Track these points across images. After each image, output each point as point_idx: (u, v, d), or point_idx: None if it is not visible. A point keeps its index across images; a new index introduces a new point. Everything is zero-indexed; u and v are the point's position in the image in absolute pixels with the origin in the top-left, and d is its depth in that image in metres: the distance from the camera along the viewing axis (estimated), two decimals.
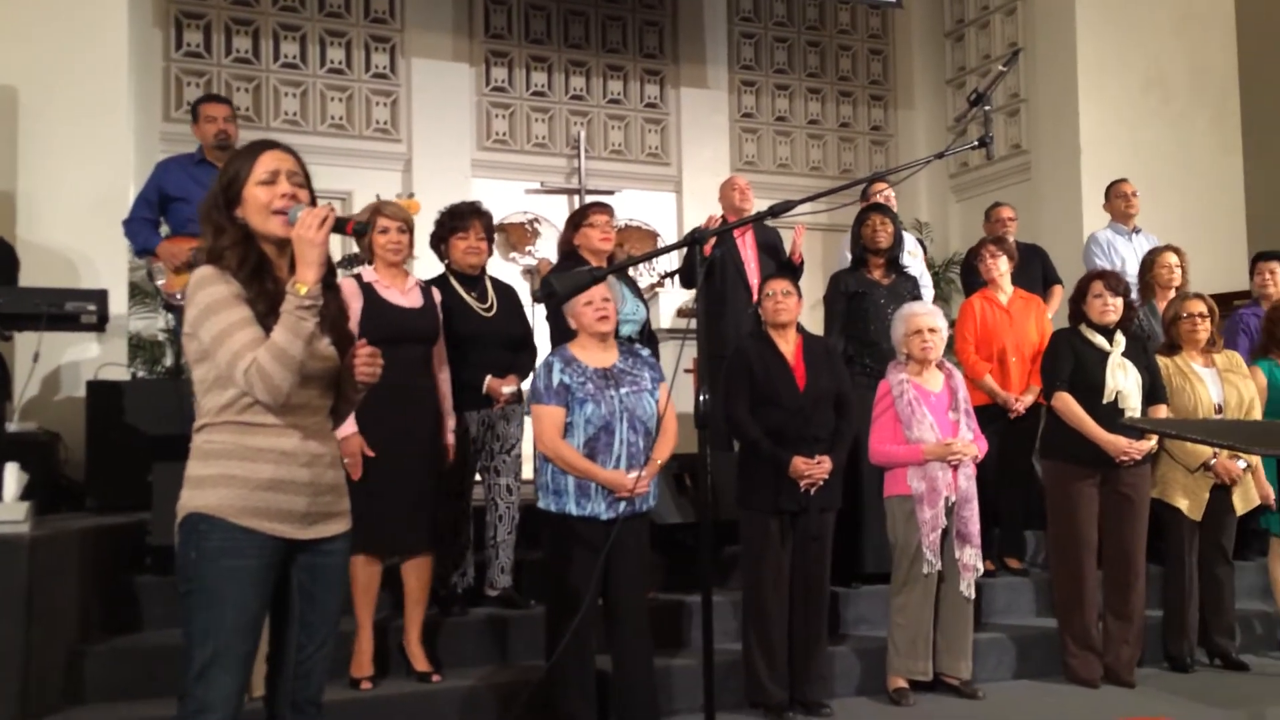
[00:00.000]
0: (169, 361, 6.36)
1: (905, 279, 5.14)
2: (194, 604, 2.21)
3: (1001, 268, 5.33)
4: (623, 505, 3.65)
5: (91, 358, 5.50)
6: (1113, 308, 4.56)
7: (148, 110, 7.02)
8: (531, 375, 3.84)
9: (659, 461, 3.77)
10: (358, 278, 4.01)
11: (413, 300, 4.01)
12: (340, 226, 2.31)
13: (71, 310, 4.74)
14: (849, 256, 5.32)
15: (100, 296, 4.82)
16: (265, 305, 2.25)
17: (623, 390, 3.71)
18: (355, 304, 3.90)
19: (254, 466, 2.24)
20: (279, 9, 7.68)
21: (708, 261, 5.08)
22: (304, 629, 2.35)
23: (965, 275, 6.05)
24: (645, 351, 3.97)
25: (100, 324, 4.87)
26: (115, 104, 5.82)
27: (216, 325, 2.21)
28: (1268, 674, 4.64)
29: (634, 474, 3.64)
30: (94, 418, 4.90)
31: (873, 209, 5.16)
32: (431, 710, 3.87)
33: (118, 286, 5.58)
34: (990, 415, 5.10)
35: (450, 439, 4.08)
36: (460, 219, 4.34)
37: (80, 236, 5.52)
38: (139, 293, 6.35)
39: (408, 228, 4.06)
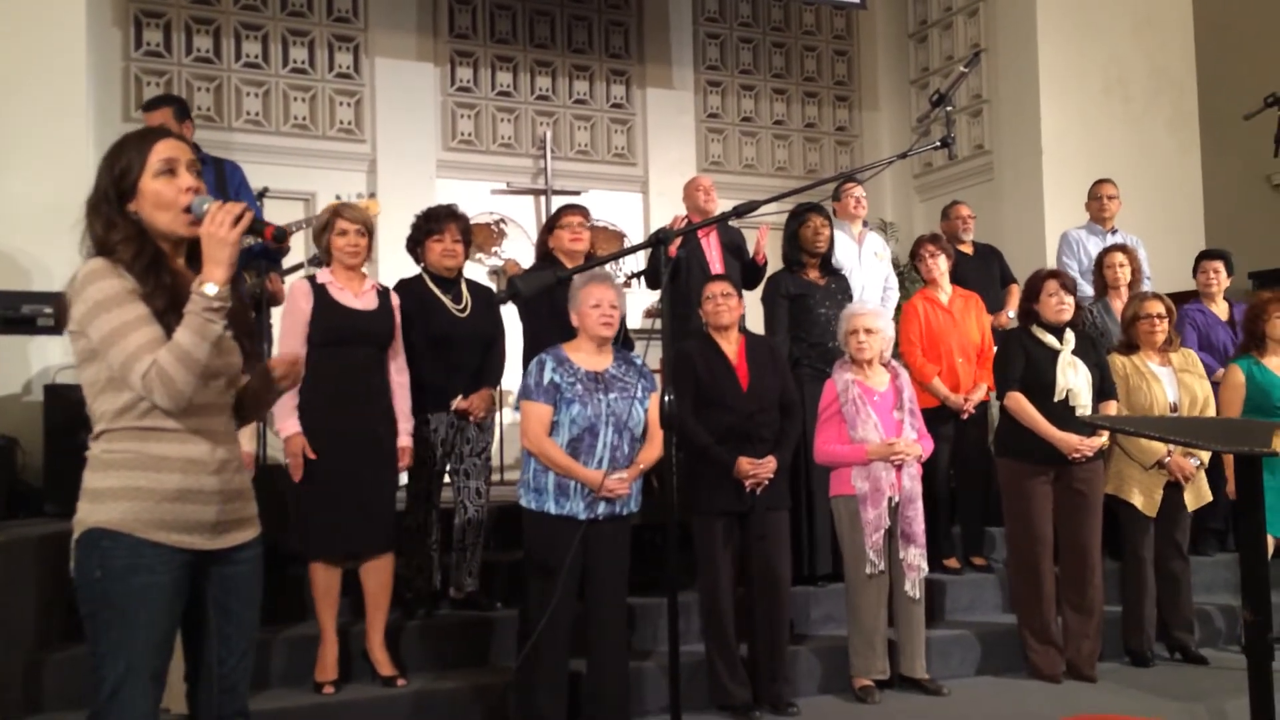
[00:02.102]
0: None
1: (839, 279, 5.17)
2: (102, 623, 2.07)
3: (941, 266, 5.37)
4: (602, 506, 3.66)
5: (49, 361, 5.42)
6: (1068, 306, 4.62)
7: (107, 111, 6.93)
8: (524, 374, 3.84)
9: (641, 466, 3.78)
10: (311, 279, 3.99)
11: (366, 303, 4.00)
12: (258, 230, 2.17)
13: (28, 313, 4.68)
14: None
15: (57, 299, 4.75)
16: (164, 301, 2.09)
17: (611, 395, 3.72)
18: (306, 305, 3.88)
19: (159, 476, 2.10)
20: (240, 8, 7.60)
21: (672, 262, 5.09)
22: (222, 642, 2.23)
23: None
24: (639, 360, 3.97)
25: (58, 327, 4.79)
26: (73, 104, 5.73)
27: (108, 323, 2.05)
28: (1227, 668, 4.70)
29: (616, 475, 3.65)
30: (52, 422, 4.83)
31: (811, 210, 5.13)
32: (395, 715, 3.85)
33: None
34: (944, 415, 5.14)
35: (406, 442, 4.05)
36: (436, 221, 4.35)
37: (37, 238, 5.43)
38: None
39: (366, 231, 4.05)
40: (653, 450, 3.82)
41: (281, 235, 2.30)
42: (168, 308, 2.09)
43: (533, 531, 3.73)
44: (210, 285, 2.05)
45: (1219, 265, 5.86)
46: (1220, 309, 5.83)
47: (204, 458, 2.16)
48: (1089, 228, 6.43)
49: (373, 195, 5.92)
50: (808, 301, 5.01)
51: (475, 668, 4.22)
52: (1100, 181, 6.47)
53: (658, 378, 6.00)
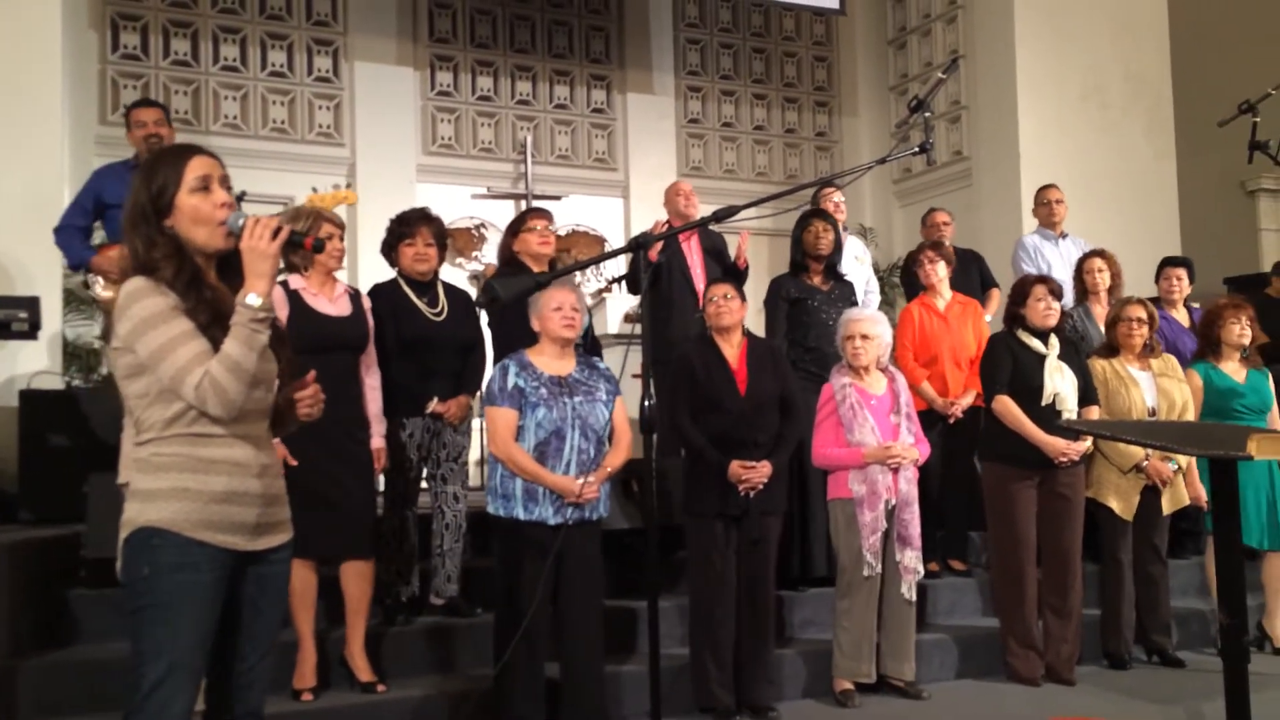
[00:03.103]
0: (105, 370, 6.24)
1: (843, 285, 5.19)
2: (146, 620, 2.14)
3: (940, 273, 5.39)
4: (571, 511, 3.65)
5: (24, 366, 5.37)
6: (1054, 311, 4.65)
7: (83, 113, 6.89)
8: (488, 380, 3.83)
9: (609, 469, 3.77)
10: (284, 285, 3.95)
11: (341, 308, 3.97)
12: (297, 241, 2.29)
13: (2, 318, 4.63)
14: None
15: (32, 304, 4.72)
16: (207, 315, 2.18)
17: (576, 399, 3.71)
18: (281, 312, 3.83)
19: (207, 479, 2.18)
20: (218, 11, 7.57)
21: (653, 267, 5.09)
22: (248, 641, 2.29)
23: (905, 280, 6.13)
24: (603, 364, 3.97)
25: (32, 331, 4.76)
26: (49, 107, 5.69)
27: (157, 339, 2.13)
28: (1204, 670, 4.73)
29: (582, 479, 3.64)
30: (27, 428, 4.79)
31: (815, 214, 5.18)
32: None
33: (51, 293, 5.46)
34: (932, 419, 5.16)
35: (379, 443, 4.02)
36: (408, 225, 4.33)
37: (11, 242, 5.39)
38: (74, 299, 6.22)
39: (344, 234, 4.07)
40: (620, 453, 3.82)
41: (320, 246, 2.45)
42: (210, 322, 2.18)
43: (502, 538, 3.72)
44: (254, 297, 2.15)
45: (1181, 273, 5.91)
46: (1181, 315, 5.88)
47: (248, 461, 2.24)
48: (1041, 233, 6.48)
49: (349, 185, 5.83)
50: (808, 305, 5.02)
51: (455, 674, 4.20)
52: (1046, 187, 6.53)
53: (636, 382, 6.00)
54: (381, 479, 4.19)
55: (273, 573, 2.33)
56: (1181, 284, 5.89)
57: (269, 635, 2.35)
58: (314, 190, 5.14)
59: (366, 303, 4.11)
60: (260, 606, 2.31)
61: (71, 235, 4.88)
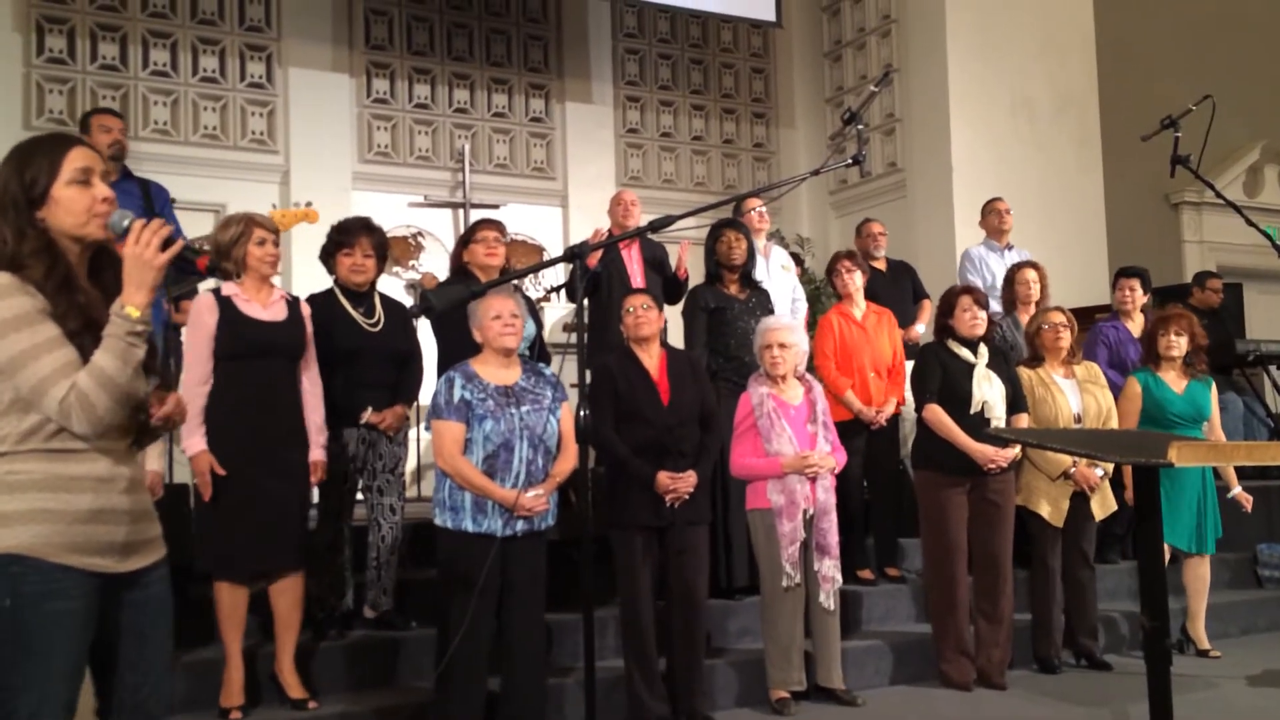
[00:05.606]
0: None
1: (760, 293, 5.22)
2: (11, 655, 1.97)
3: (857, 282, 5.43)
4: (520, 523, 3.63)
5: None
6: (981, 321, 4.73)
7: (7, 118, 6.72)
8: (434, 393, 3.78)
9: (558, 478, 3.76)
10: (216, 291, 3.88)
11: (275, 313, 3.89)
12: (190, 259, 2.12)
13: None
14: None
15: None
16: (77, 321, 2.01)
17: (523, 409, 3.69)
18: (210, 319, 3.75)
19: (71, 498, 2.01)
20: (148, 15, 7.42)
21: (589, 276, 5.09)
22: (136, 669, 2.13)
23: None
24: (548, 370, 3.95)
25: None
26: None
27: (18, 344, 1.95)
28: (1130, 673, 4.82)
29: (533, 492, 3.62)
30: None
31: (726, 225, 5.20)
32: None
33: None
34: (856, 428, 5.21)
35: (318, 455, 3.94)
36: (347, 235, 4.27)
37: None
38: None
39: (278, 239, 3.99)
40: (567, 461, 3.80)
41: (214, 268, 2.25)
42: (81, 329, 2.01)
43: (450, 550, 3.68)
44: (133, 309, 1.98)
45: (1135, 283, 6.02)
46: (1135, 325, 5.97)
47: (113, 476, 2.08)
48: (987, 244, 6.57)
49: (309, 204, 5.67)
50: (726, 314, 5.05)
51: (389, 688, 4.14)
52: (993, 199, 6.61)
53: (574, 392, 5.99)
54: (316, 491, 4.12)
55: (150, 595, 2.16)
56: (1135, 294, 5.99)
57: (159, 659, 2.18)
58: (274, 206, 5.06)
59: (305, 310, 4.03)
60: (143, 632, 2.14)
61: None
